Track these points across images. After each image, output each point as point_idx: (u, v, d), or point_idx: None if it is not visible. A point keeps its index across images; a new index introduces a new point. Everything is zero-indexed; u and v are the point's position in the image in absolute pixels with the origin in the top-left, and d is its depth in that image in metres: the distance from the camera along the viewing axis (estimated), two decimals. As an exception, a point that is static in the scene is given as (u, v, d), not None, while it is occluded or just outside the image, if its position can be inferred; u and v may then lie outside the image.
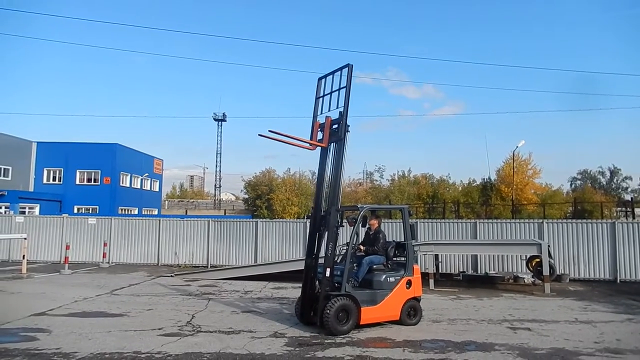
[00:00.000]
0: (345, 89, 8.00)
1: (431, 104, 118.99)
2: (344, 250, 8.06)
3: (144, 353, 6.34)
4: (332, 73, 8.32)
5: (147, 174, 46.01)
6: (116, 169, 40.00)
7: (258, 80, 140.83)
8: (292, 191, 42.61)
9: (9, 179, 36.32)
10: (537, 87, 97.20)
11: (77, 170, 39.45)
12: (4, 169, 36.16)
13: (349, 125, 8.11)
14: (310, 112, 8.62)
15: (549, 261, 12.34)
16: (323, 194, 8.27)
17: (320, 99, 8.56)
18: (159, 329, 7.78)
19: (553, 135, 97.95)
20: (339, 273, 7.71)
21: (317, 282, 7.82)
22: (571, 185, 66.44)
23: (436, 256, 14.09)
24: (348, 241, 8.15)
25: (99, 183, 39.47)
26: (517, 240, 14.65)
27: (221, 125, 69.30)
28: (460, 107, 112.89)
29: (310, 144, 8.37)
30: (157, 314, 9.04)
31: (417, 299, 8.38)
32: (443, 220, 17.63)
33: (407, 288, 8.20)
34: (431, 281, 12.92)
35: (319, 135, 8.37)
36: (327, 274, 7.52)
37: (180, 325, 8.05)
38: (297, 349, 6.69)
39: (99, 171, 39.47)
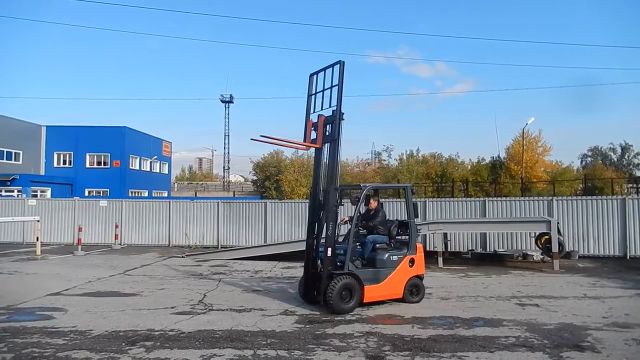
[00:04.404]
0: (337, 87, 7.74)
1: (443, 83, 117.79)
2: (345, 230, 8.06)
3: (157, 330, 6.48)
4: (324, 69, 8.08)
5: (156, 157, 46.21)
6: (125, 152, 40.18)
7: (267, 62, 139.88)
8: (301, 172, 42.57)
9: (20, 162, 36.68)
10: (549, 63, 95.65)
11: (87, 154, 39.70)
12: (15, 152, 36.49)
13: (343, 118, 7.84)
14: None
15: (558, 238, 12.33)
16: (319, 194, 8.06)
17: (313, 97, 8.32)
18: (172, 307, 7.93)
19: (563, 112, 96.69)
20: (342, 252, 7.72)
21: (319, 262, 7.84)
22: (582, 162, 65.85)
23: (445, 235, 14.12)
24: (346, 218, 8.21)
25: (108, 166, 39.73)
26: (526, 218, 14.62)
27: (228, 107, 69.45)
28: (472, 85, 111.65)
29: (304, 146, 8.24)
30: (170, 294, 9.20)
31: (420, 277, 8.40)
32: (452, 199, 17.61)
33: (410, 266, 8.22)
34: (440, 259, 12.98)
35: (313, 135, 8.14)
36: (329, 253, 7.51)
37: (192, 304, 8.19)
38: (307, 326, 6.79)
39: (109, 154, 39.69)
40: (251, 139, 7.84)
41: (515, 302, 8.37)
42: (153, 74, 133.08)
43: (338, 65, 7.77)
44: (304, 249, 8.22)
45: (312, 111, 8.30)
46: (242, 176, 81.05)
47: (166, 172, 50.53)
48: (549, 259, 12.82)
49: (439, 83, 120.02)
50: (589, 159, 67.27)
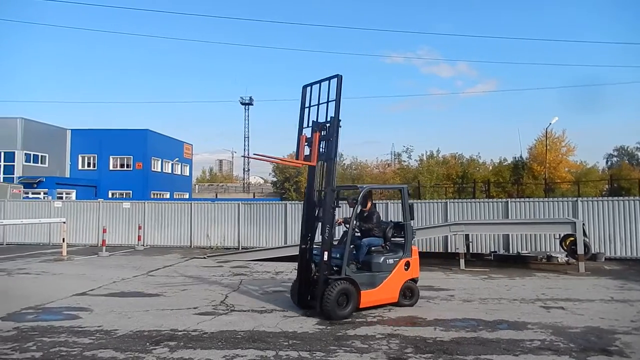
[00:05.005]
0: (335, 102, 7.35)
1: (464, 83, 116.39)
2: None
3: (180, 330, 6.56)
4: (320, 82, 7.69)
5: (177, 159, 46.85)
6: (147, 154, 40.86)
7: (284, 63, 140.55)
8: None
9: (46, 165, 37.60)
10: (572, 61, 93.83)
11: (110, 156, 40.53)
12: (41, 156, 37.42)
13: (340, 125, 7.47)
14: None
15: (584, 240, 12.07)
16: (314, 195, 7.84)
17: (307, 109, 7.93)
18: (194, 308, 8.02)
19: (587, 111, 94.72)
20: (337, 256, 7.48)
21: (313, 266, 7.62)
22: (607, 162, 64.49)
23: (467, 236, 13.96)
24: (340, 220, 8.06)
25: (131, 168, 40.47)
26: (550, 219, 14.36)
27: (248, 109, 69.91)
28: (493, 85, 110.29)
29: (298, 164, 7.93)
30: (192, 294, 9.30)
31: (414, 280, 8.21)
32: (473, 200, 17.39)
33: (406, 270, 8.02)
34: (462, 261, 12.83)
35: (307, 150, 7.78)
36: (325, 257, 7.22)
37: (214, 305, 8.27)
38: (328, 327, 6.78)
39: (131, 157, 40.45)
40: (242, 156, 7.83)
41: (540, 305, 8.22)
42: (175, 77, 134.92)
43: (335, 79, 7.38)
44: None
45: (305, 125, 7.92)
46: (262, 178, 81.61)
47: (187, 174, 51.19)
48: (574, 261, 12.56)
49: (459, 83, 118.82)
50: (615, 158, 65.85)
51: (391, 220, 8.77)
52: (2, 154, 34.99)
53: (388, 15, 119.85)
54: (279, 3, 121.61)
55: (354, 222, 7.77)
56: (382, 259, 7.85)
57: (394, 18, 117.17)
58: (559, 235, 13.39)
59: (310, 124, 7.83)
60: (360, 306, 7.44)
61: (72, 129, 40.95)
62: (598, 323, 6.95)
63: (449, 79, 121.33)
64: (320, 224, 7.57)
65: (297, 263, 7.69)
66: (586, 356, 5.49)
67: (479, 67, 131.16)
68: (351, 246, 7.82)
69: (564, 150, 39.72)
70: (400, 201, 8.86)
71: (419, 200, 17.95)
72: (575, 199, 15.30)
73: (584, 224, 12.50)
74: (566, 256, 13.26)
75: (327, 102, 7.54)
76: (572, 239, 12.34)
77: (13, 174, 34.27)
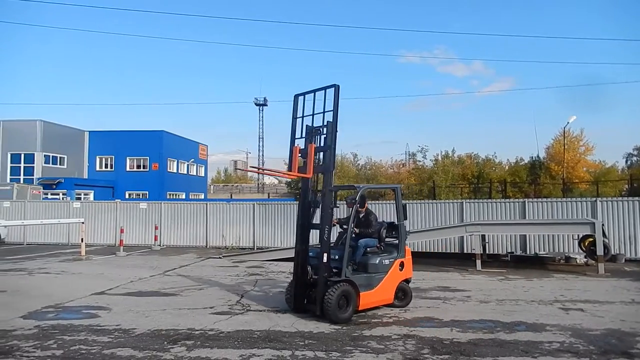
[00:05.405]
0: (332, 112, 7.12)
1: (480, 82, 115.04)
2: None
3: (197, 330, 6.62)
4: (314, 91, 7.45)
5: (192, 160, 47.24)
6: (163, 155, 41.26)
7: (298, 63, 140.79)
8: (334, 174, 42.58)
9: (65, 167, 38.19)
10: (588, 59, 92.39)
11: (127, 158, 41.03)
12: (60, 157, 38.04)
13: (337, 130, 7.21)
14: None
15: (603, 240, 11.87)
16: (309, 195, 7.69)
17: (299, 120, 7.68)
18: (210, 307, 8.08)
19: (606, 110, 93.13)
20: (336, 257, 7.36)
21: (309, 268, 7.49)
22: (627, 161, 63.22)
23: (483, 237, 13.83)
24: (335, 220, 7.96)
25: (147, 169, 40.92)
26: (568, 220, 14.15)
27: (262, 110, 70.36)
28: (509, 83, 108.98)
29: (292, 176, 7.79)
30: (208, 294, 9.37)
31: (407, 281, 8.15)
32: (490, 200, 17.21)
33: (400, 270, 7.96)
34: (478, 262, 12.72)
35: (301, 161, 7.60)
36: (325, 259, 7.07)
37: (230, 304, 8.32)
38: (344, 327, 6.78)
39: (147, 158, 40.89)
40: (236, 169, 7.65)
41: (559, 307, 8.12)
42: (189, 78, 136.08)
43: (332, 89, 7.09)
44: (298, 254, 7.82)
45: (297, 136, 7.66)
46: (276, 178, 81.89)
47: (202, 174, 51.57)
48: (593, 262, 12.37)
49: (475, 82, 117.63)
50: (635, 158, 64.51)
51: (384, 221, 8.70)
52: (22, 155, 35.65)
53: (402, 16, 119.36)
54: (293, 3, 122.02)
55: (352, 222, 7.63)
56: (378, 260, 7.79)
57: (407, 18, 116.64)
58: (578, 235, 13.19)
59: (304, 135, 7.63)
60: (359, 308, 7.34)
61: (89, 131, 41.57)
62: (619, 325, 6.84)
63: (465, 78, 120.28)
64: (315, 225, 7.50)
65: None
66: (607, 359, 5.41)
67: (495, 66, 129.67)
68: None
69: (582, 150, 39.24)
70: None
71: (434, 201, 17.83)
72: (594, 199, 15.06)
73: (603, 225, 12.30)
74: (585, 257, 13.06)
75: (324, 112, 7.34)
76: (591, 239, 12.14)
77: (33, 175, 34.90)
